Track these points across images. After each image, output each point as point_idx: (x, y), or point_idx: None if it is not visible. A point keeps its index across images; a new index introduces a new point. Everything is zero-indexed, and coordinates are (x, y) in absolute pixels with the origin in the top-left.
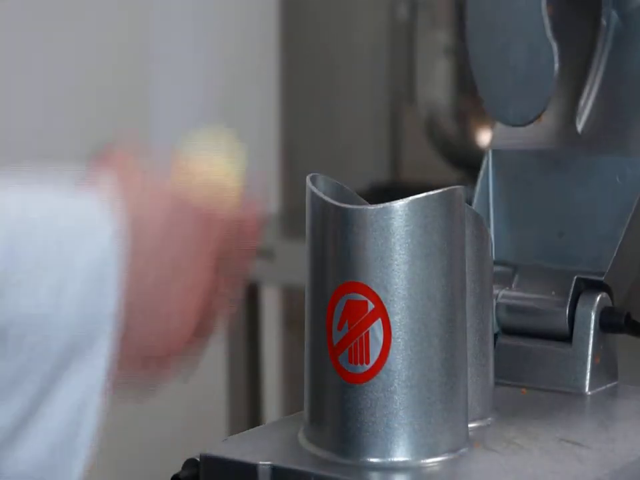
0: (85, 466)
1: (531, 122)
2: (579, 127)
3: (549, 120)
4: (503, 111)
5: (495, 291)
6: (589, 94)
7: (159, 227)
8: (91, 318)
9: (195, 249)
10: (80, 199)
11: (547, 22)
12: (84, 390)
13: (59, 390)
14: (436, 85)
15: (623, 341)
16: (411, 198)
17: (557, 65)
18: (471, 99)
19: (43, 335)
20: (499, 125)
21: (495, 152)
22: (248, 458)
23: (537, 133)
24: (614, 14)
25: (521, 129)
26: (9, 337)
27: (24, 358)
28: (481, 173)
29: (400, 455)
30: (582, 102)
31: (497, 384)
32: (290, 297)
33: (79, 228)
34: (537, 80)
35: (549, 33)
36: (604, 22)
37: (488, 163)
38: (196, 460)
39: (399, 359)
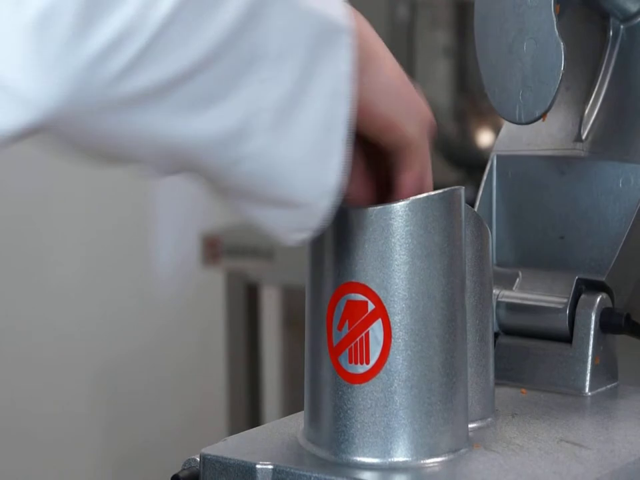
0: (341, 165)
1: (537, 120)
2: (583, 133)
3: (553, 126)
4: (509, 109)
5: (496, 291)
6: (594, 102)
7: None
8: (331, 18)
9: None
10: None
11: (555, 20)
12: (335, 84)
13: (315, 75)
14: (436, 85)
15: (623, 342)
16: (411, 198)
17: (563, 63)
18: (470, 99)
19: (291, 14)
20: (503, 130)
21: (499, 157)
22: (247, 458)
23: (542, 138)
24: (620, 26)
25: (525, 134)
26: (262, 7)
27: (280, 33)
28: (485, 176)
29: (400, 455)
30: (587, 109)
31: (496, 384)
32: (290, 297)
33: None
34: (543, 78)
35: (557, 32)
36: (610, 33)
37: (492, 167)
38: (195, 460)
39: (399, 359)
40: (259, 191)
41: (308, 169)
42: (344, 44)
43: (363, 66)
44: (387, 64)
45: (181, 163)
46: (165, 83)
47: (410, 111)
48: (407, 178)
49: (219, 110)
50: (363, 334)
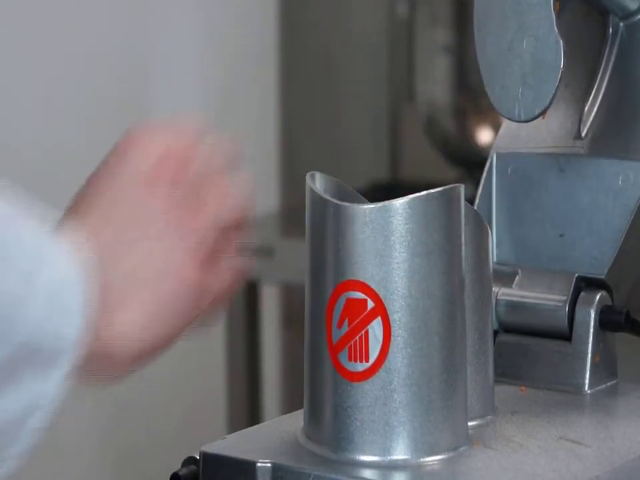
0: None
1: (537, 117)
2: (583, 130)
3: (553, 124)
4: (508, 106)
5: (495, 289)
6: (594, 99)
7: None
8: (56, 322)
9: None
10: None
11: (554, 18)
12: (33, 398)
13: (7, 389)
14: (435, 83)
15: (622, 340)
16: (410, 196)
17: (563, 61)
18: (470, 97)
19: (7, 320)
20: (503, 128)
21: (498, 154)
22: (247, 456)
23: (541, 136)
24: (620, 24)
25: (525, 132)
26: None
27: None
28: (484, 174)
29: (399, 453)
30: (587, 107)
31: (496, 382)
32: (289, 295)
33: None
34: (543, 75)
35: (557, 29)
36: (610, 31)
37: (492, 164)
38: (195, 458)
39: (398, 357)
40: None
41: None
42: (63, 363)
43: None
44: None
45: None
46: None
47: (181, 309)
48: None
49: None
50: (363, 332)
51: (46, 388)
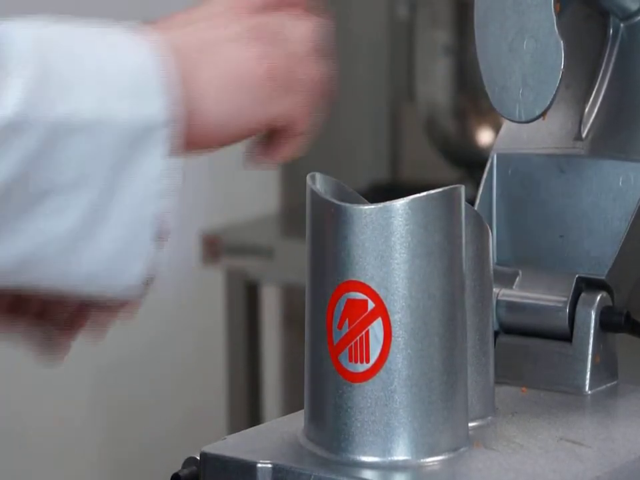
0: (146, 267)
1: (537, 118)
2: (584, 131)
3: (554, 124)
4: (509, 107)
5: (495, 290)
6: (594, 100)
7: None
8: (140, 119)
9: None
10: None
11: (555, 19)
12: (144, 190)
13: (118, 192)
14: (436, 84)
15: (623, 341)
16: (411, 197)
17: (563, 62)
18: (470, 98)
19: (92, 139)
20: (503, 129)
21: (499, 155)
22: (248, 457)
23: (542, 137)
24: (620, 25)
25: (526, 133)
26: (59, 140)
27: (78, 162)
28: (485, 175)
29: (400, 454)
30: (587, 108)
31: (496, 383)
32: (290, 295)
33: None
34: (543, 76)
35: (557, 30)
36: (610, 32)
37: (492, 165)
38: (196, 458)
39: (399, 358)
40: (76, 293)
41: (109, 275)
42: (158, 140)
43: (187, 89)
44: (217, 63)
45: None
46: None
47: (261, 97)
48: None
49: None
50: (363, 332)
51: (154, 168)
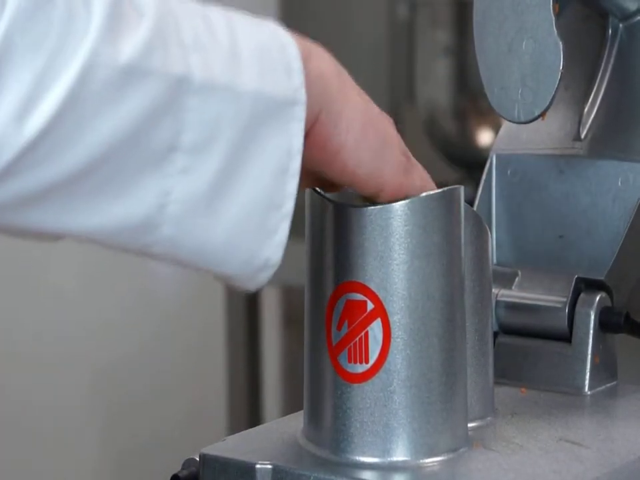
0: (284, 241)
1: (536, 119)
2: (583, 132)
3: (553, 125)
4: (508, 108)
5: (495, 291)
6: (593, 101)
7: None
8: (276, 87)
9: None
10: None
11: (554, 19)
12: (279, 155)
13: (252, 155)
14: (436, 84)
15: (622, 341)
16: (410, 198)
17: (562, 63)
18: (470, 98)
19: (221, 104)
20: (503, 130)
21: (498, 156)
22: (247, 457)
23: (541, 138)
24: (619, 25)
25: (525, 133)
26: (181, 97)
27: (205, 125)
28: (484, 176)
29: (399, 455)
30: (586, 108)
31: (496, 383)
32: (289, 296)
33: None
34: (542, 77)
35: (556, 31)
36: (609, 32)
37: (491, 166)
38: (195, 459)
39: (398, 359)
40: (186, 263)
41: (241, 248)
42: (295, 117)
43: (325, 115)
44: (351, 103)
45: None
46: (42, 189)
47: (384, 149)
48: None
49: (119, 205)
50: (362, 333)
51: (290, 140)
